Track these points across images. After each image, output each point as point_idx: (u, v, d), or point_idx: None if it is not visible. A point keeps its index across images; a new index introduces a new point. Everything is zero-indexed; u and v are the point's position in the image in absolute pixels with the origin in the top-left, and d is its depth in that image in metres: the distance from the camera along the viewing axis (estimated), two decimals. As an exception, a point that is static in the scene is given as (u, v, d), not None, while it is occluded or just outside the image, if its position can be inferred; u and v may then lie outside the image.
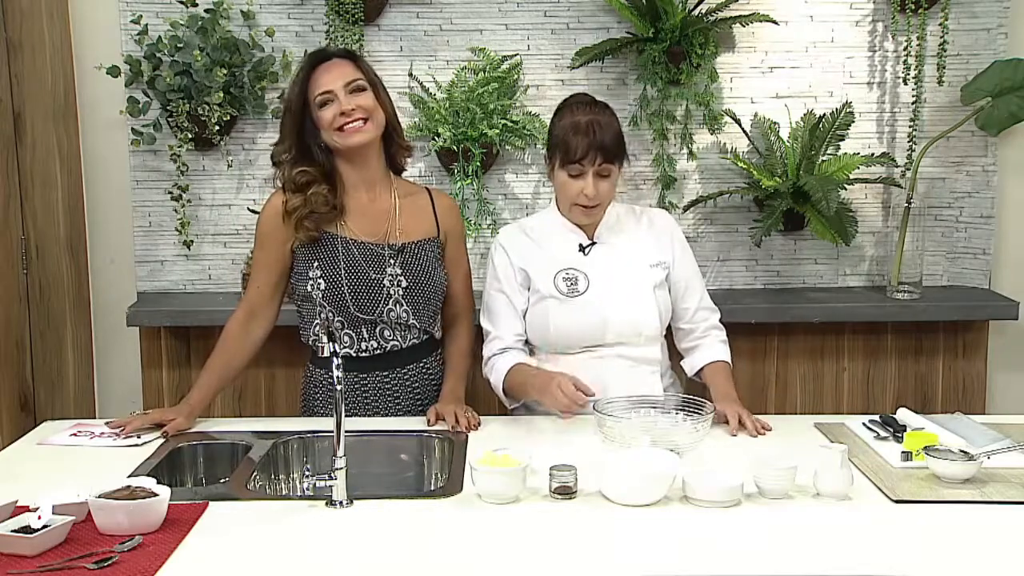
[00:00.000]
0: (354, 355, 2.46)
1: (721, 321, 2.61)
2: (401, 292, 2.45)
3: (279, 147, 2.46)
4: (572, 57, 3.38)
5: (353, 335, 2.46)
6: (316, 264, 2.43)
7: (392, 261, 2.46)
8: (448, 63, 3.38)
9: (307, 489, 2.01)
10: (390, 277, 2.45)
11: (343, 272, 2.43)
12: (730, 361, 2.56)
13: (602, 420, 2.20)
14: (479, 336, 2.65)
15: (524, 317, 2.51)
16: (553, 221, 2.52)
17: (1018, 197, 3.53)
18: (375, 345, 2.47)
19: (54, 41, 3.37)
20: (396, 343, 2.48)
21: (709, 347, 2.54)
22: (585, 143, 2.35)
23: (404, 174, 2.61)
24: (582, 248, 2.49)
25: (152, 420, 2.36)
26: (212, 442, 2.35)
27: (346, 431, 1.96)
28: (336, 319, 2.44)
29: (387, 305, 2.45)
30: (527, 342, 2.53)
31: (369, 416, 2.49)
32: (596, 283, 2.46)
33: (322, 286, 2.43)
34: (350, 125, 2.38)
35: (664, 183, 3.42)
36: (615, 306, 2.44)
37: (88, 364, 3.52)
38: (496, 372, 2.47)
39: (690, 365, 2.56)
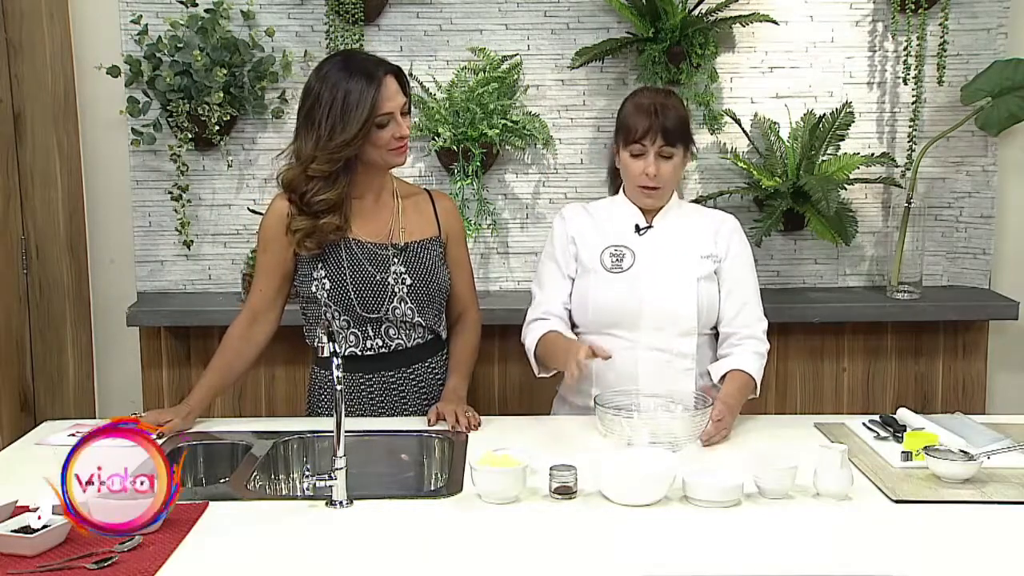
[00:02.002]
0: (359, 354, 2.46)
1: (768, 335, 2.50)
2: (405, 290, 2.46)
3: (319, 165, 2.33)
4: (572, 57, 3.39)
5: (359, 334, 2.46)
6: (320, 265, 2.43)
7: (396, 260, 2.46)
8: (448, 63, 3.38)
9: (307, 489, 2.01)
10: (394, 275, 2.45)
11: (347, 272, 2.43)
12: (755, 375, 2.42)
13: (602, 414, 2.20)
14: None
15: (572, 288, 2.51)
16: (617, 202, 2.54)
17: (1018, 197, 3.53)
18: (380, 344, 2.47)
19: (54, 41, 3.37)
20: (401, 342, 2.48)
21: (738, 355, 2.43)
22: (646, 123, 2.38)
23: (405, 174, 2.61)
24: (638, 229, 2.49)
25: (149, 423, 2.35)
26: (212, 442, 2.35)
27: (346, 431, 1.96)
28: (342, 318, 2.45)
29: (392, 303, 2.45)
30: (572, 314, 2.52)
31: (375, 416, 2.49)
32: (641, 263, 2.45)
33: (327, 286, 2.43)
34: (401, 148, 2.39)
35: (664, 183, 3.42)
36: (655, 288, 2.42)
37: (88, 364, 3.52)
38: (529, 339, 2.48)
39: (715, 372, 2.44)
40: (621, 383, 2.36)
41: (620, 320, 2.43)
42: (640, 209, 2.49)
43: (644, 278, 2.43)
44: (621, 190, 2.54)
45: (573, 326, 2.51)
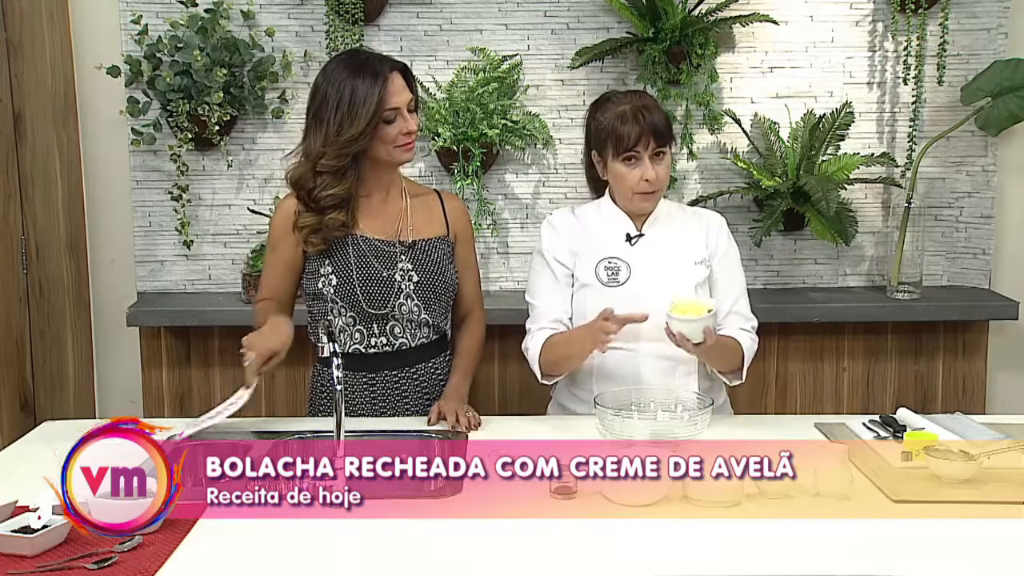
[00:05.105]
0: (363, 351, 2.47)
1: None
2: (412, 287, 2.46)
3: (328, 160, 2.36)
4: (572, 57, 3.38)
5: (364, 331, 2.47)
6: (327, 262, 2.45)
7: (403, 257, 2.47)
8: (448, 63, 3.38)
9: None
10: (401, 272, 2.46)
11: (354, 268, 2.44)
12: (745, 349, 2.42)
13: (602, 413, 2.20)
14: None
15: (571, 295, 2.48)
16: (605, 210, 2.50)
17: (1018, 197, 3.53)
18: (384, 341, 2.47)
19: (54, 41, 3.37)
20: (405, 341, 2.48)
21: (731, 331, 2.44)
22: (637, 129, 2.35)
23: (405, 174, 2.61)
24: (629, 238, 2.46)
25: (258, 351, 2.30)
26: (212, 442, 2.35)
27: (346, 431, 1.96)
28: (348, 315, 2.45)
29: (398, 299, 2.46)
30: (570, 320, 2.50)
31: (378, 416, 2.49)
32: (637, 274, 2.43)
33: (334, 282, 2.44)
34: (409, 144, 2.40)
35: (664, 183, 3.42)
36: (654, 300, 2.38)
37: (88, 364, 3.52)
38: (533, 344, 2.45)
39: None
40: (624, 387, 2.35)
41: (620, 333, 2.39)
42: (629, 215, 2.46)
43: (642, 291, 2.41)
44: (608, 196, 2.50)
45: None
